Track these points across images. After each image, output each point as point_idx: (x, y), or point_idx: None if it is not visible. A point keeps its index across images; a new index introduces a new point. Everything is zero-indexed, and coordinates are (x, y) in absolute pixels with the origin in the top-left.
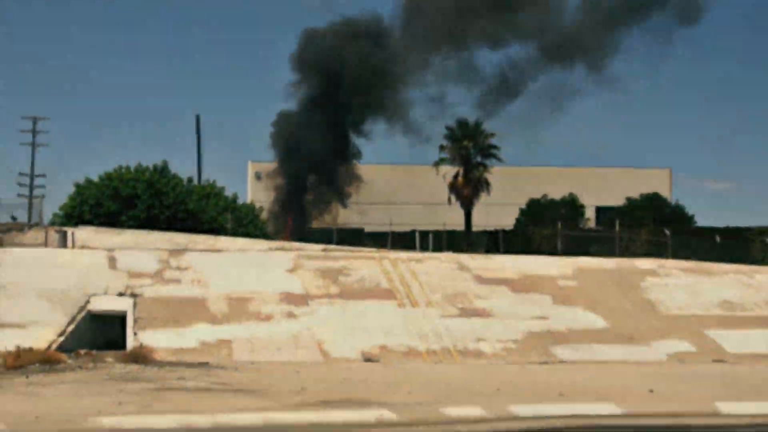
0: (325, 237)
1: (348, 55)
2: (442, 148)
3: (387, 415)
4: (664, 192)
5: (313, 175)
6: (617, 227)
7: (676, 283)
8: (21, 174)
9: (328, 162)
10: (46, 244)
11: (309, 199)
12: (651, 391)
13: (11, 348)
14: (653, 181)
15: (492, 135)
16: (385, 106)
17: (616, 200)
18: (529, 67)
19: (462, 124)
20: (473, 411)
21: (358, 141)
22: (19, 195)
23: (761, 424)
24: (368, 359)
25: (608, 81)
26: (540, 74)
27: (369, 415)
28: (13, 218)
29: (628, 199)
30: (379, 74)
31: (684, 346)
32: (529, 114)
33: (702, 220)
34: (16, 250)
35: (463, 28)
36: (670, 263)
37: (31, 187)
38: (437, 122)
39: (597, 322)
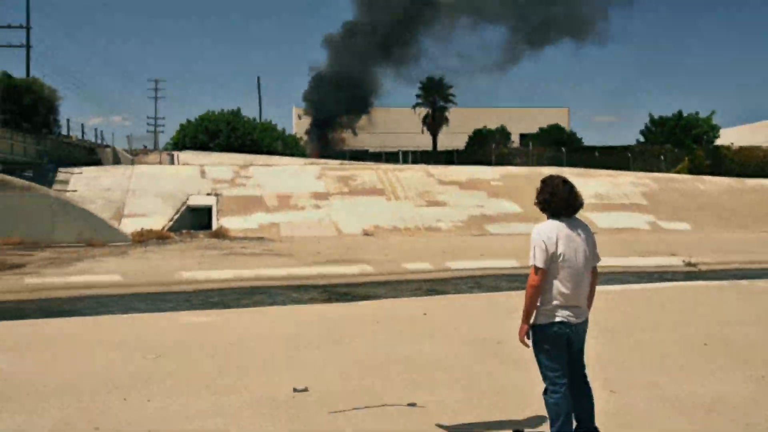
0: (341, 155)
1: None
2: (417, 96)
3: (367, 268)
4: (564, 123)
5: (341, 112)
6: (531, 147)
7: None
8: (148, 117)
9: (354, 104)
10: (160, 163)
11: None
12: None
13: (137, 229)
14: (557, 116)
15: (451, 87)
16: (408, 60)
17: (532, 129)
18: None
19: (431, 79)
20: (423, 265)
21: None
22: (147, 131)
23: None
24: (366, 234)
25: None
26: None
27: (356, 268)
28: (144, 146)
29: (540, 128)
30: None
31: None
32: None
33: (588, 142)
34: (142, 167)
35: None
36: (565, 170)
37: (156, 126)
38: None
39: (515, 208)
